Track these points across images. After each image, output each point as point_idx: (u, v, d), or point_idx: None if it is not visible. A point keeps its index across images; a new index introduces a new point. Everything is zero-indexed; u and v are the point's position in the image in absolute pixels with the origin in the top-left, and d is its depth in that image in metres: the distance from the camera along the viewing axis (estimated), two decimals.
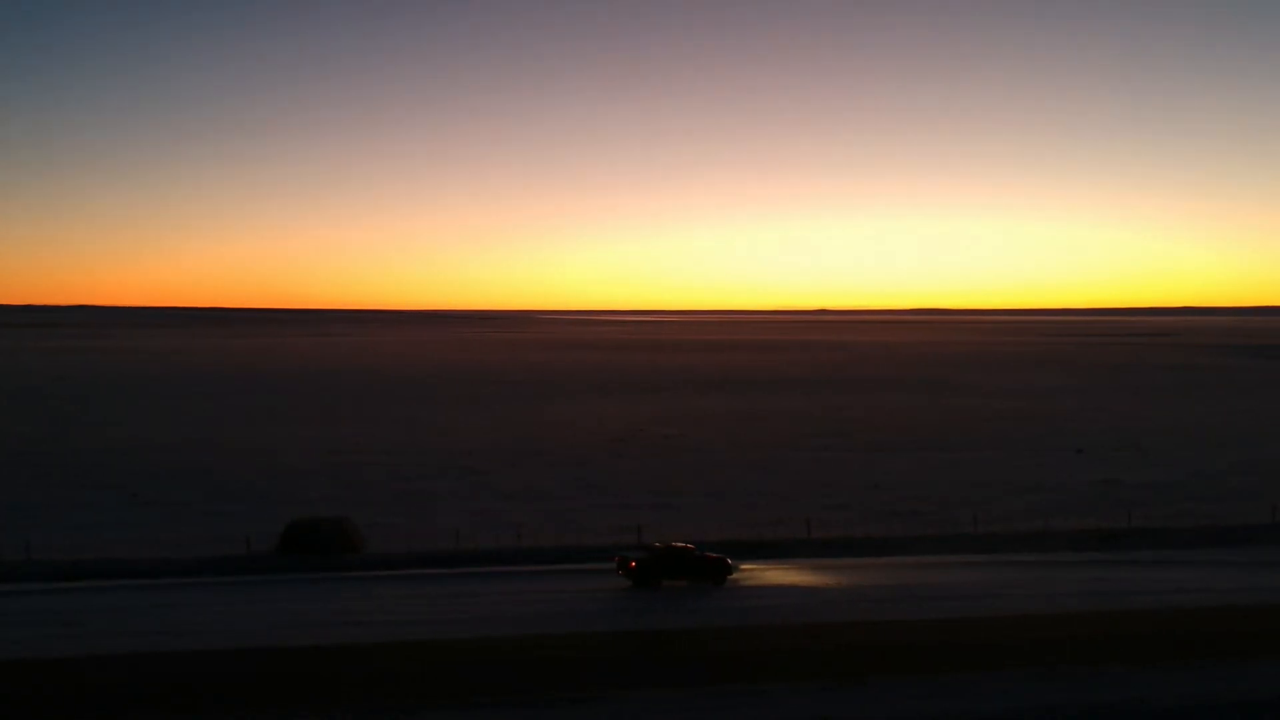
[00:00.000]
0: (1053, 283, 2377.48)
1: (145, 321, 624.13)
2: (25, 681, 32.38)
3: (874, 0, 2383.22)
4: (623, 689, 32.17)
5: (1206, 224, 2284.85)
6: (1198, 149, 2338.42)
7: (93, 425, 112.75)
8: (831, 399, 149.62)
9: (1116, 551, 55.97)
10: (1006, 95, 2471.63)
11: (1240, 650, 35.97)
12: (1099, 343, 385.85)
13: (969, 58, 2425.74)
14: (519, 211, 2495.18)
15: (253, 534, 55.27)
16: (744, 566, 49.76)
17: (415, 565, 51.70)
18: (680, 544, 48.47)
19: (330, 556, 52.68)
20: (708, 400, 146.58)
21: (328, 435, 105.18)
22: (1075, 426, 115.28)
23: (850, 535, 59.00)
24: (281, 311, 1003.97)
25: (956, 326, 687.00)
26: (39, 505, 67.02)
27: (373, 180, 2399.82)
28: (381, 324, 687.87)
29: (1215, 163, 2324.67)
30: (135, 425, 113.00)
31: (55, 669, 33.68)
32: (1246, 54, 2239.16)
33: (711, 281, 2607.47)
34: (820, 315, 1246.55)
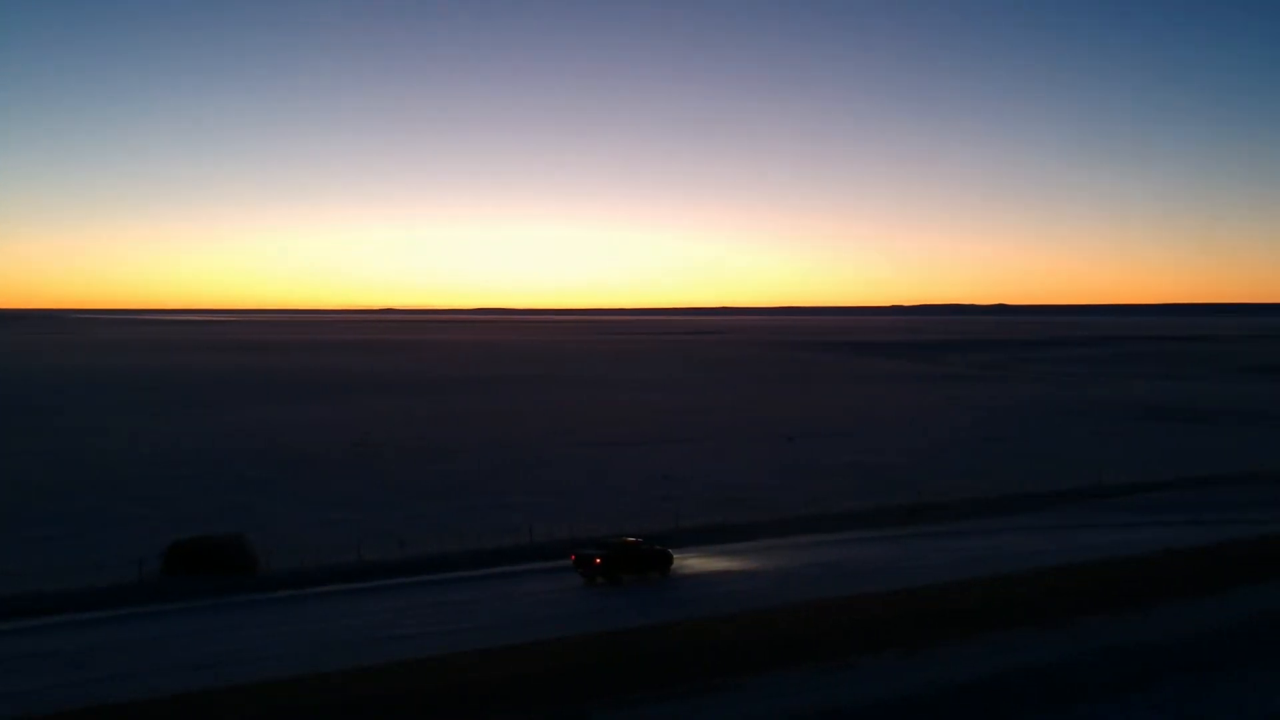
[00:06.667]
0: (584, 284, 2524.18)
1: None
2: None
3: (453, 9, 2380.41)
4: (741, 674, 33.32)
5: (729, 232, 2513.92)
6: (728, 162, 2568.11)
7: None
8: (517, 398, 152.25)
9: (943, 524, 64.15)
10: (582, 110, 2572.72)
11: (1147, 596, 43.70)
12: (670, 340, 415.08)
13: (580, 70, 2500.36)
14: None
15: (96, 560, 50.43)
16: None
17: (335, 580, 49.06)
18: (631, 539, 50.16)
19: (236, 576, 48.94)
20: (401, 401, 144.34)
21: (42, 450, 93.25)
22: (753, 415, 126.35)
23: (713, 523, 62.82)
24: None
25: (526, 325, 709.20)
26: None
27: None
28: None
29: (733, 172, 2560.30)
30: None
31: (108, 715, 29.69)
32: (787, 61, 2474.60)
33: (267, 278, 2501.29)
34: (387, 315, 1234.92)
